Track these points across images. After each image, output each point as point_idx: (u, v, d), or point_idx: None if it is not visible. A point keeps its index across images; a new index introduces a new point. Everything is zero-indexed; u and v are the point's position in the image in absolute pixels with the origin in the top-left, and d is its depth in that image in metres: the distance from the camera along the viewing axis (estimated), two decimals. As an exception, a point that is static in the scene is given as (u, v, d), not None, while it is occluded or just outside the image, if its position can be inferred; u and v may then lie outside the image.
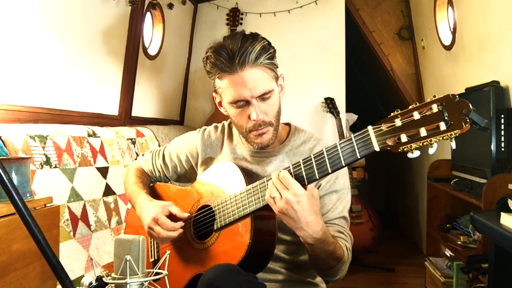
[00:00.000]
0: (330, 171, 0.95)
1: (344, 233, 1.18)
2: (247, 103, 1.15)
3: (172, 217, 1.21)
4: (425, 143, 0.82)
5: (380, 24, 3.47)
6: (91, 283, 0.88)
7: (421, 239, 3.56)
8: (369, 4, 3.47)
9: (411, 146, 0.83)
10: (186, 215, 1.21)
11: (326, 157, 0.95)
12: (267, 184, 1.04)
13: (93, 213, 1.91)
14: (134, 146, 2.43)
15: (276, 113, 1.20)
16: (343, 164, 0.93)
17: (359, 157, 0.90)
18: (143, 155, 1.51)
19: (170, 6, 2.99)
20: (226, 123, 1.39)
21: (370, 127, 0.88)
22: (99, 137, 2.11)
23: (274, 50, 1.17)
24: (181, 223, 1.20)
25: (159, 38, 3.01)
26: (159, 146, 2.62)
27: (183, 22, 3.38)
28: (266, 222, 1.10)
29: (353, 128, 3.59)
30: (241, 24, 3.38)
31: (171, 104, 3.41)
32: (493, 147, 1.95)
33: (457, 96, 0.79)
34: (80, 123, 2.16)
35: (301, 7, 3.35)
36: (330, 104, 3.23)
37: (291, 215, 0.98)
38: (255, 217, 1.08)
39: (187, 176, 1.42)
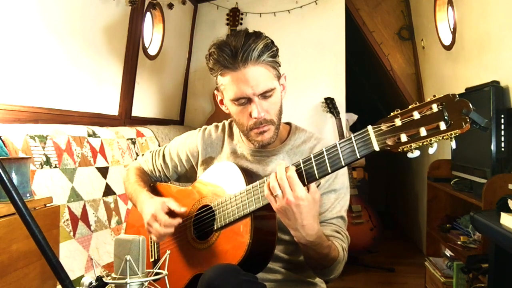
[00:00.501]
0: (330, 171, 0.95)
1: (341, 233, 1.18)
2: (249, 100, 1.15)
3: (172, 213, 1.21)
4: (425, 143, 0.82)
5: (380, 24, 3.47)
6: (91, 283, 0.88)
7: (421, 239, 3.56)
8: (369, 4, 3.47)
9: (411, 146, 0.83)
10: (183, 209, 1.21)
11: (326, 157, 0.95)
12: None
13: (93, 213, 1.91)
14: (134, 146, 2.43)
15: (278, 111, 1.20)
16: (343, 164, 0.93)
17: (359, 157, 0.90)
18: (143, 155, 1.51)
19: (170, 6, 2.99)
20: (226, 122, 1.39)
21: (370, 127, 0.88)
22: (99, 137, 2.11)
23: (277, 49, 1.17)
24: (179, 220, 1.19)
25: (159, 38, 3.01)
26: (159, 146, 2.62)
27: (183, 22, 3.38)
28: (266, 222, 1.10)
29: (353, 128, 3.59)
30: (241, 24, 3.38)
31: (171, 104, 3.41)
32: (493, 147, 1.95)
33: (457, 96, 0.79)
34: (80, 123, 2.16)
35: (301, 7, 3.35)
36: (330, 104, 3.23)
37: (288, 215, 0.98)
38: (255, 217, 1.08)
39: (188, 175, 1.42)
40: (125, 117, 2.68)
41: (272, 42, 1.17)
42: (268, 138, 1.20)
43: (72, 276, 1.67)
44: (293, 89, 3.07)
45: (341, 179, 1.22)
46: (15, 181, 1.31)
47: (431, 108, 0.81)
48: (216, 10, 3.49)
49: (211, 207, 1.19)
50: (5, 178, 0.79)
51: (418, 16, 3.31)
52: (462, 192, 2.26)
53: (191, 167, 1.40)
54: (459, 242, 2.31)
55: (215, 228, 1.16)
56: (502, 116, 1.95)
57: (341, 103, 3.29)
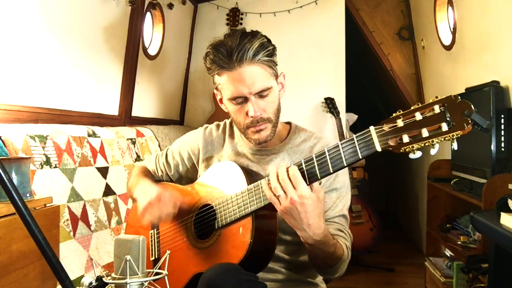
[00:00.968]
0: (331, 171, 0.95)
1: (344, 232, 1.18)
2: (246, 99, 1.16)
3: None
4: (427, 144, 0.82)
5: (380, 24, 3.47)
6: (91, 283, 0.87)
7: (421, 239, 3.56)
8: (369, 4, 3.47)
9: (413, 147, 0.83)
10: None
11: (327, 157, 0.95)
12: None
13: (93, 213, 1.91)
14: (134, 146, 2.43)
15: (275, 110, 1.20)
16: (345, 164, 0.93)
17: (360, 157, 0.90)
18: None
19: (170, 6, 2.99)
20: (227, 121, 1.39)
21: (372, 127, 0.88)
22: (99, 137, 2.11)
23: (273, 48, 1.17)
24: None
25: (159, 38, 3.01)
26: (159, 146, 2.62)
27: (183, 22, 3.38)
28: (267, 222, 1.10)
29: (353, 128, 3.59)
30: (241, 24, 3.39)
31: (171, 104, 3.41)
32: (493, 147, 1.95)
33: (459, 97, 0.79)
34: (80, 123, 2.15)
35: (301, 7, 3.35)
36: (330, 104, 3.23)
37: (294, 215, 0.98)
38: (256, 216, 1.08)
39: (189, 175, 1.42)
40: (125, 117, 2.68)
41: (269, 41, 1.17)
42: (265, 136, 1.20)
43: (72, 276, 1.67)
44: (293, 89, 3.07)
45: (342, 178, 1.22)
46: (15, 181, 1.31)
47: (433, 109, 0.81)
48: (216, 10, 3.49)
49: (212, 206, 1.19)
50: (5, 178, 0.78)
51: (418, 16, 3.31)
52: (462, 192, 2.26)
53: (192, 166, 1.40)
54: (459, 242, 2.31)
55: (216, 227, 1.15)
56: (502, 116, 1.95)
57: (341, 103, 3.29)
